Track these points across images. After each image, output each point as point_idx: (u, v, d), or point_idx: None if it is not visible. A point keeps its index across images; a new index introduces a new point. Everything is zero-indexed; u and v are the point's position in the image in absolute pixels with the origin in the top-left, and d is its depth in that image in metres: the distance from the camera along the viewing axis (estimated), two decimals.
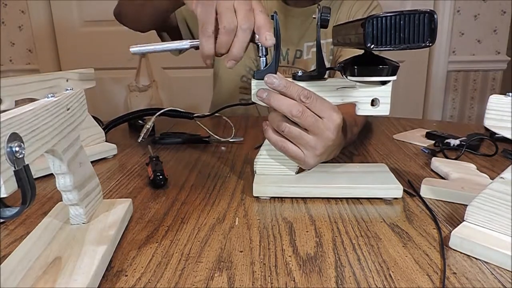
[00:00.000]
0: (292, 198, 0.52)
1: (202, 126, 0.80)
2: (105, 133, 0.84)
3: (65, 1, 1.81)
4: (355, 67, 0.46)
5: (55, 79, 0.65)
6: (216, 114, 0.85)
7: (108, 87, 1.88)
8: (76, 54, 1.88)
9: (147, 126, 0.77)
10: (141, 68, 1.87)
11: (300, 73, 0.50)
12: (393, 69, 0.45)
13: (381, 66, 0.45)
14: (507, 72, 1.87)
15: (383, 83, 0.48)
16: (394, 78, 0.46)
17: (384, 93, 0.48)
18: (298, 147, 0.51)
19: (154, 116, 0.79)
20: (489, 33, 1.80)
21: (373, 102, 0.49)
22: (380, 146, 0.76)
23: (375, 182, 0.52)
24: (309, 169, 0.55)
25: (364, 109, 0.50)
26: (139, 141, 0.77)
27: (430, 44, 0.40)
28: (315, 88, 0.49)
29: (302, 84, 0.49)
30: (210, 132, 0.79)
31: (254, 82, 0.50)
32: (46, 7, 1.82)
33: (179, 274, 0.36)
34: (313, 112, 0.48)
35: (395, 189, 0.51)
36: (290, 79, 0.49)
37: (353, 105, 0.50)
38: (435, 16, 0.39)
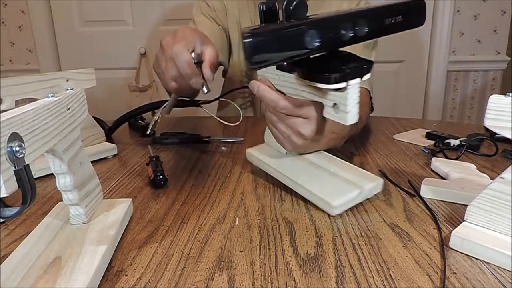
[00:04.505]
0: (285, 191, 0.54)
1: (208, 112, 0.82)
2: (113, 131, 0.84)
3: (65, 1, 1.81)
4: (301, 68, 0.44)
5: (55, 79, 0.65)
6: (222, 99, 0.86)
7: (108, 87, 1.88)
8: (76, 54, 1.87)
9: (155, 117, 0.78)
10: (141, 68, 1.87)
11: None
12: (344, 76, 0.40)
13: (327, 74, 0.41)
14: (507, 72, 1.87)
15: (339, 89, 0.42)
16: (342, 85, 0.41)
17: (341, 100, 0.43)
18: (283, 131, 0.52)
19: (162, 108, 0.80)
20: (489, 33, 1.80)
21: (335, 107, 0.44)
22: (380, 146, 0.76)
23: (325, 190, 0.49)
24: (289, 152, 0.57)
25: (328, 113, 0.46)
26: (148, 133, 0.78)
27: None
28: (287, 83, 0.49)
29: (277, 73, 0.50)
30: (215, 117, 0.81)
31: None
32: (46, 7, 1.82)
33: (179, 274, 0.36)
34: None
35: (332, 207, 0.46)
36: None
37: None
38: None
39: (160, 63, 0.64)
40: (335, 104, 0.44)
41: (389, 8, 0.44)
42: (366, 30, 0.42)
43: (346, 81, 0.41)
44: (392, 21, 0.44)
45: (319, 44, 0.40)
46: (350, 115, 0.43)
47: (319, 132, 0.51)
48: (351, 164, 0.56)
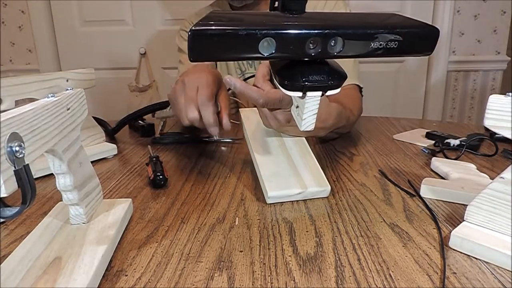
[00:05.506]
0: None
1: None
2: (116, 132, 0.84)
3: (65, 1, 1.81)
4: (274, 73, 0.43)
5: (55, 79, 0.65)
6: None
7: (108, 87, 1.88)
8: (76, 54, 1.88)
9: (163, 119, 0.81)
10: (141, 68, 1.88)
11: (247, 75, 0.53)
12: (300, 87, 0.40)
13: (287, 80, 0.40)
14: (507, 72, 1.87)
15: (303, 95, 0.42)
16: (298, 94, 0.41)
17: (300, 106, 0.43)
18: (262, 110, 0.55)
19: (161, 116, 0.80)
20: (489, 33, 1.80)
21: (297, 109, 0.45)
22: (380, 146, 0.76)
23: (272, 177, 0.51)
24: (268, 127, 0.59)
25: (293, 110, 0.46)
26: (159, 134, 0.81)
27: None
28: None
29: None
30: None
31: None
32: (46, 7, 1.82)
33: (179, 274, 0.36)
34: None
35: (267, 196, 0.50)
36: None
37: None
38: None
39: (179, 99, 0.64)
40: (297, 106, 0.45)
41: (380, 32, 0.38)
42: (339, 51, 0.38)
43: (302, 91, 0.40)
44: (382, 45, 0.39)
45: (274, 54, 0.37)
46: (305, 122, 0.43)
47: None
48: (317, 163, 0.56)
